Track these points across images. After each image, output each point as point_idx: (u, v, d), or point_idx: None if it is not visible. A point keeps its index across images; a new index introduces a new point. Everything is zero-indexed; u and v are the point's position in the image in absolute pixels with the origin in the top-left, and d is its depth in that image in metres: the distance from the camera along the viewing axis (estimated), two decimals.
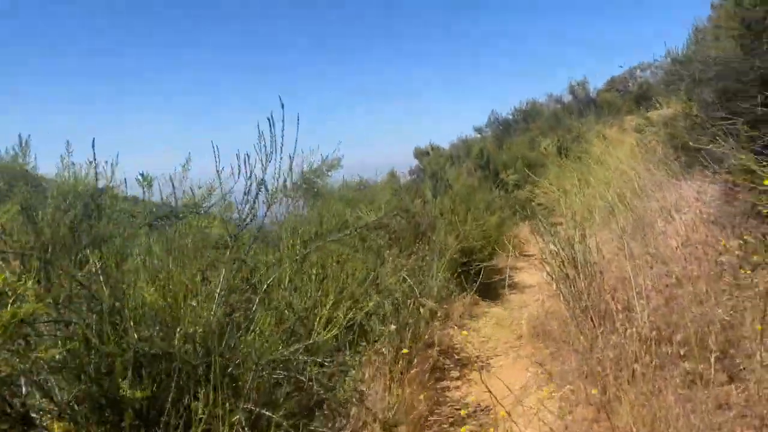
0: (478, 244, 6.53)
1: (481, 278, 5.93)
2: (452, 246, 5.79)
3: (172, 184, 2.26)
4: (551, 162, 10.16)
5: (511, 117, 18.27)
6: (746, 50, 4.65)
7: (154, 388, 1.48)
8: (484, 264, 6.48)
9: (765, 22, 4.39)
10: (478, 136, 18.84)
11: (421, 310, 3.89)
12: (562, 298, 3.75)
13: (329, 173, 5.72)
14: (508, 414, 2.38)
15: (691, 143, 7.22)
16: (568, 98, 17.09)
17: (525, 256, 8.01)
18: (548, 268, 3.89)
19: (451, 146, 19.12)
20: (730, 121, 4.51)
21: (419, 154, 17.76)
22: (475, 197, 7.06)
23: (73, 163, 2.32)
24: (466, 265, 6.29)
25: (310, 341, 1.87)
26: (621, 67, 21.16)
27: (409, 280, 4.12)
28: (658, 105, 17.74)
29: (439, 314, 4.54)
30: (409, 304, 3.70)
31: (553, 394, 2.85)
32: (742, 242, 3.31)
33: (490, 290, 6.40)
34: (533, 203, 8.94)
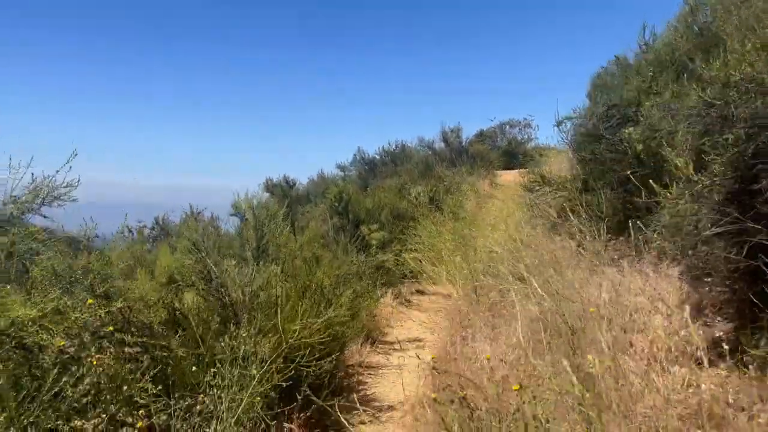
0: (316, 340, 4.10)
1: (315, 393, 3.51)
2: (267, 354, 3.29)
3: None
4: (422, 214, 8.25)
5: (378, 157, 16.56)
6: None
7: None
8: (324, 370, 4.05)
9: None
10: (341, 174, 16.80)
11: None
12: None
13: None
14: None
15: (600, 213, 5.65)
16: (440, 145, 15.89)
17: (385, 344, 5.78)
18: None
19: (309, 182, 16.83)
20: None
21: (270, 187, 15.14)
22: (322, 265, 4.69)
23: None
24: (295, 376, 3.81)
25: None
26: (492, 120, 20.87)
27: None
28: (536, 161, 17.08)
29: None
30: None
31: None
32: None
33: (329, 419, 3.97)
34: (403, 269, 6.85)
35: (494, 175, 14.41)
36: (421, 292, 7.26)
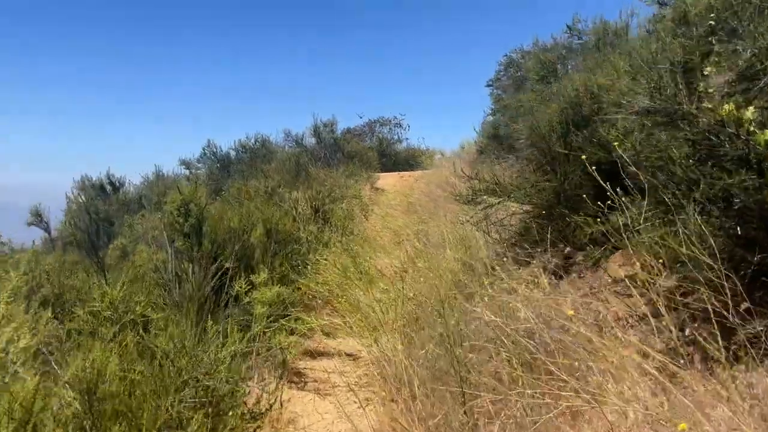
0: None
1: None
2: None
3: None
4: (313, 235, 5.87)
5: (233, 153, 13.63)
6: None
7: None
8: None
9: None
10: (185, 172, 13.52)
11: None
12: None
13: None
14: None
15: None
16: (310, 141, 13.50)
17: None
18: None
19: (144, 183, 13.29)
20: None
21: (86, 187, 11.41)
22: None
23: None
24: None
25: None
26: (361, 117, 19.01)
27: None
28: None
29: None
30: None
31: None
32: None
33: None
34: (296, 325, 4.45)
35: (375, 179, 12.48)
36: (315, 355, 4.91)
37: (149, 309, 3.41)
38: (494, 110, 9.30)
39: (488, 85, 11.55)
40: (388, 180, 13.59)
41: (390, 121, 19.19)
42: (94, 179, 11.03)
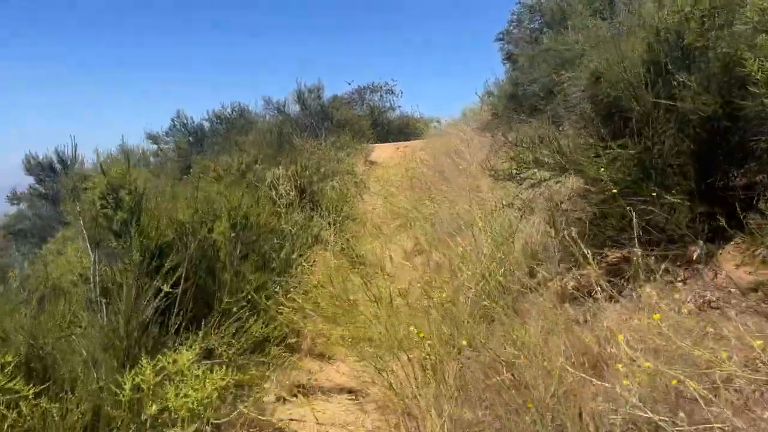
0: None
1: None
2: None
3: None
4: (295, 226, 4.42)
5: (207, 124, 11.99)
6: None
7: None
8: None
9: None
10: (153, 147, 11.86)
11: None
12: None
13: None
14: None
15: None
16: (294, 109, 11.87)
17: None
18: None
19: (107, 159, 11.61)
20: None
21: (33, 169, 9.80)
22: None
23: None
24: None
25: None
26: (350, 83, 17.35)
27: None
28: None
29: None
30: None
31: None
32: None
33: None
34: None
35: (369, 151, 10.97)
36: (303, 390, 3.51)
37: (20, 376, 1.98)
38: (515, 63, 7.79)
39: (498, 39, 10.02)
40: (382, 152, 12.07)
41: (381, 87, 17.55)
42: (41, 158, 9.39)
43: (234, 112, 12.24)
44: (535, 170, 3.69)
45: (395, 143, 13.50)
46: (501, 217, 3.79)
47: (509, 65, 9.62)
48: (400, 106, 17.65)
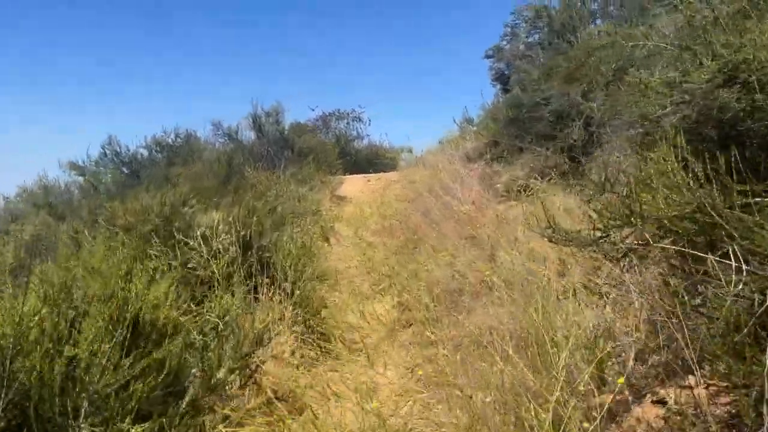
0: None
1: None
2: None
3: None
4: (215, 332, 2.79)
5: (145, 153, 10.17)
6: None
7: None
8: None
9: None
10: (80, 180, 9.93)
11: None
12: None
13: None
14: None
15: None
16: (249, 135, 10.20)
17: None
18: None
19: (22, 196, 9.71)
20: None
21: None
22: None
23: None
24: None
25: None
26: (313, 109, 15.83)
27: None
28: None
29: None
30: None
31: None
32: None
33: None
34: None
35: (335, 185, 9.40)
36: None
37: None
38: (519, 83, 6.43)
39: (487, 57, 8.76)
40: (351, 185, 10.50)
41: (348, 114, 16.12)
42: None
43: (178, 139, 10.49)
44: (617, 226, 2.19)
45: (365, 175, 11.99)
46: (577, 310, 2.24)
47: (499, 86, 8.37)
48: (368, 135, 16.24)
